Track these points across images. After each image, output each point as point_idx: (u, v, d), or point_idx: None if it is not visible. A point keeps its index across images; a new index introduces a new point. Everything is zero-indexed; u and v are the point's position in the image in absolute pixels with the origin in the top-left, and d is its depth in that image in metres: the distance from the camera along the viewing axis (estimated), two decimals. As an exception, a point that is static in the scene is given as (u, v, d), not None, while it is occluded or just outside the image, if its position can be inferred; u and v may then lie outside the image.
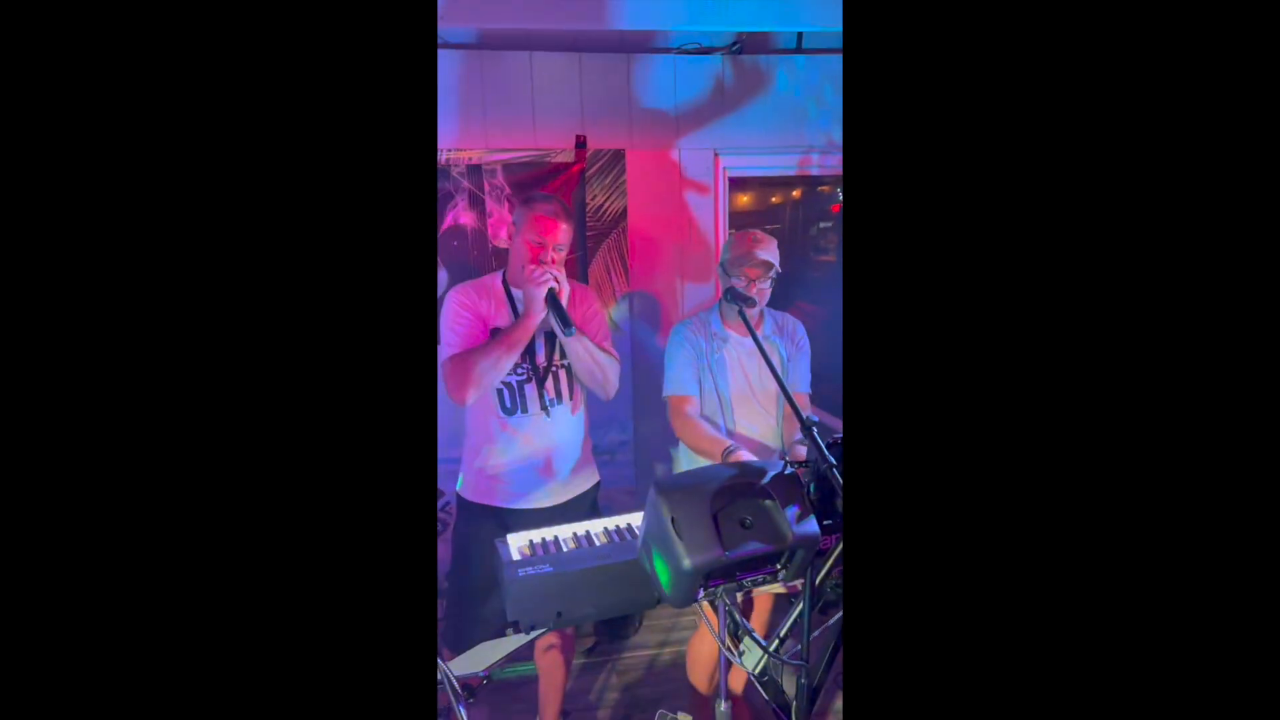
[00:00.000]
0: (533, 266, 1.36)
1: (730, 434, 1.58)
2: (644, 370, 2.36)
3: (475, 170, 2.16)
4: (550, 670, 1.68)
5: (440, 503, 2.30)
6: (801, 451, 1.48)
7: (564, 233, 1.44)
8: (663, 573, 0.94)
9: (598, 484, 1.65)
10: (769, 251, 1.53)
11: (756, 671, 1.09)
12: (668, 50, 2.28)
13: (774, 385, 1.61)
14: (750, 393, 1.61)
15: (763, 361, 1.59)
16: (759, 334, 1.62)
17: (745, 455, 1.41)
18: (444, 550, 2.26)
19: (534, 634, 1.10)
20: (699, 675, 1.68)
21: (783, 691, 1.08)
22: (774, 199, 3.83)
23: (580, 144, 2.19)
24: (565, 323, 1.34)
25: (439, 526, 2.32)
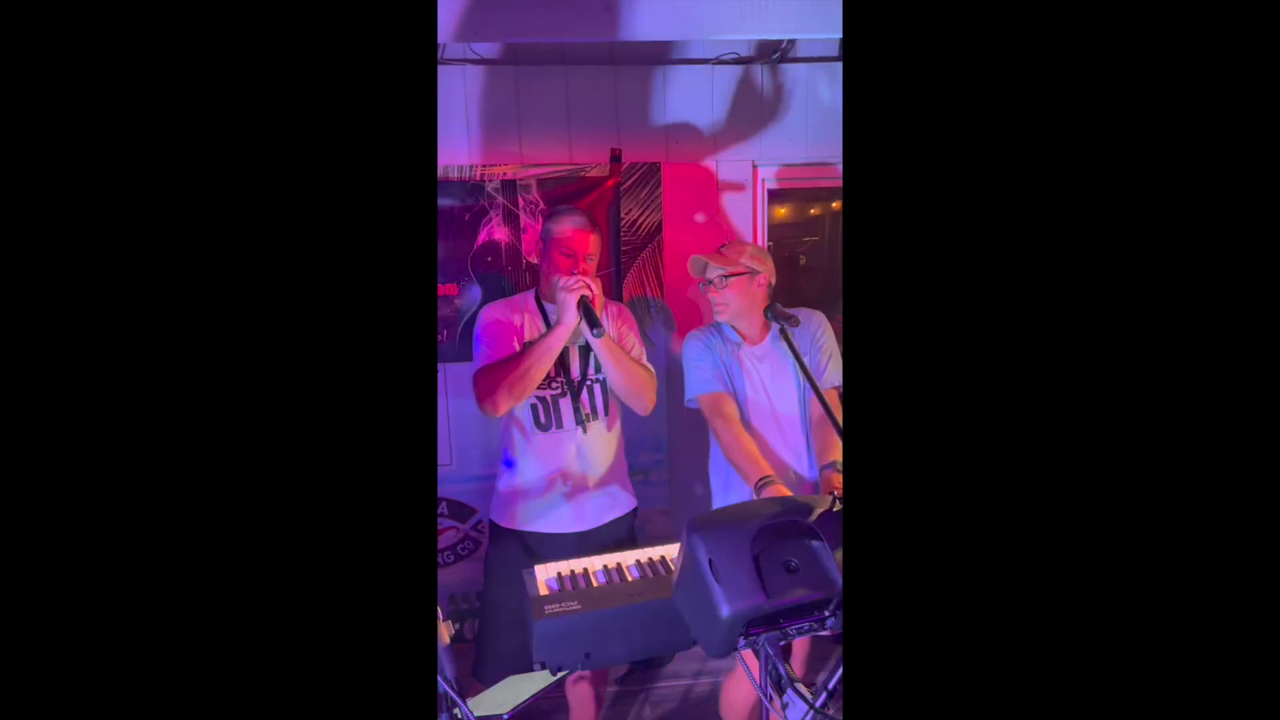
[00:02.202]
0: (564, 276, 1.33)
1: None
2: (679, 386, 2.29)
3: (510, 185, 2.14)
4: (581, 703, 1.62)
5: (472, 521, 2.27)
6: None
7: (593, 243, 1.42)
8: (698, 620, 0.87)
9: (634, 510, 1.58)
10: (754, 257, 1.46)
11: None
12: (705, 61, 2.23)
13: (794, 399, 1.49)
14: (768, 406, 1.49)
15: (776, 371, 1.49)
16: (761, 346, 1.51)
17: (782, 491, 1.32)
18: (476, 570, 2.23)
19: (561, 674, 1.04)
20: (735, 717, 1.58)
21: (830, 748, 0.98)
22: (813, 211, 3.73)
23: (615, 157, 2.16)
24: (594, 323, 1.29)
25: (471, 545, 2.29)
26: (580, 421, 1.45)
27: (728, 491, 1.50)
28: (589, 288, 1.32)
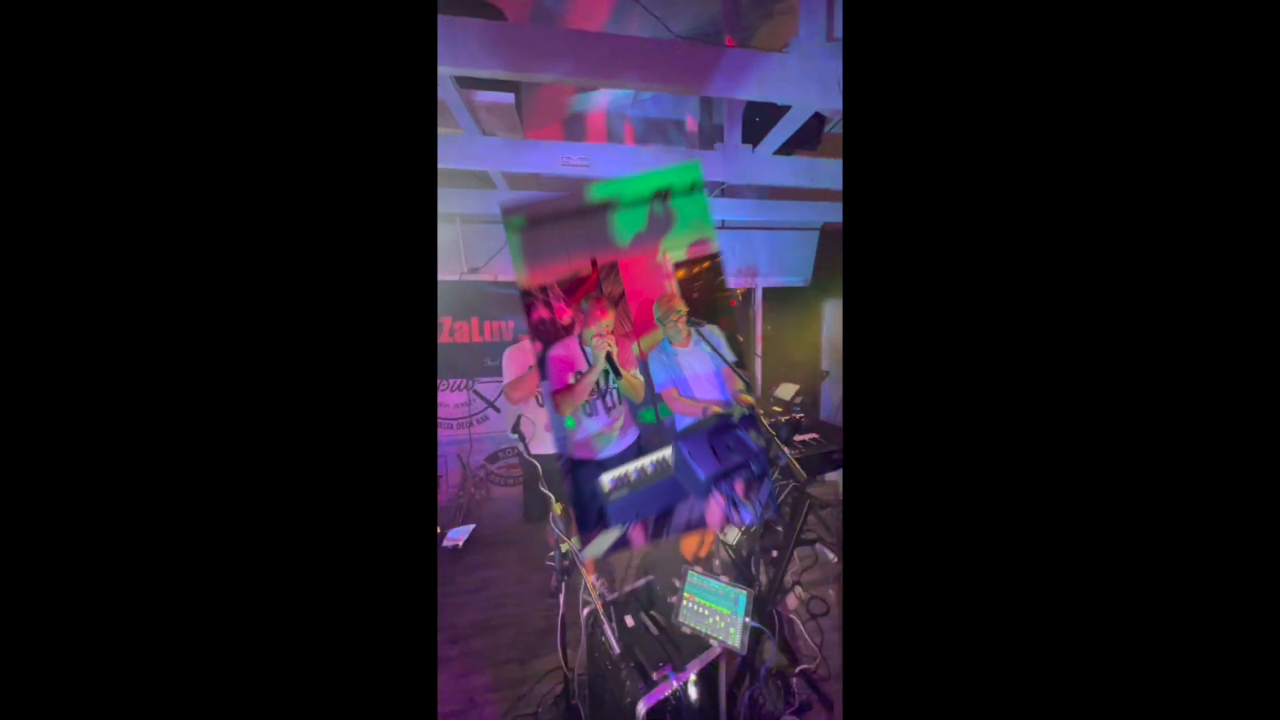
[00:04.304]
0: (598, 339, 2.49)
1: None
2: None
3: (544, 289, 3.30)
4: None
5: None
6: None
7: (609, 315, 2.59)
8: (689, 483, 1.98)
9: (638, 437, 2.68)
10: (679, 304, 2.31)
11: (734, 543, 2.10)
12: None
13: (712, 372, 2.20)
14: (698, 380, 2.21)
15: (699, 360, 2.63)
16: (688, 349, 2.58)
17: (715, 408, 2.37)
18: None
19: (623, 528, 2.11)
20: (688, 550, 2.66)
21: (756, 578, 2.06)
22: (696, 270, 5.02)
23: (594, 265, 3.36)
24: (616, 373, 2.42)
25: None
26: (607, 410, 2.57)
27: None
28: (610, 346, 2.42)
